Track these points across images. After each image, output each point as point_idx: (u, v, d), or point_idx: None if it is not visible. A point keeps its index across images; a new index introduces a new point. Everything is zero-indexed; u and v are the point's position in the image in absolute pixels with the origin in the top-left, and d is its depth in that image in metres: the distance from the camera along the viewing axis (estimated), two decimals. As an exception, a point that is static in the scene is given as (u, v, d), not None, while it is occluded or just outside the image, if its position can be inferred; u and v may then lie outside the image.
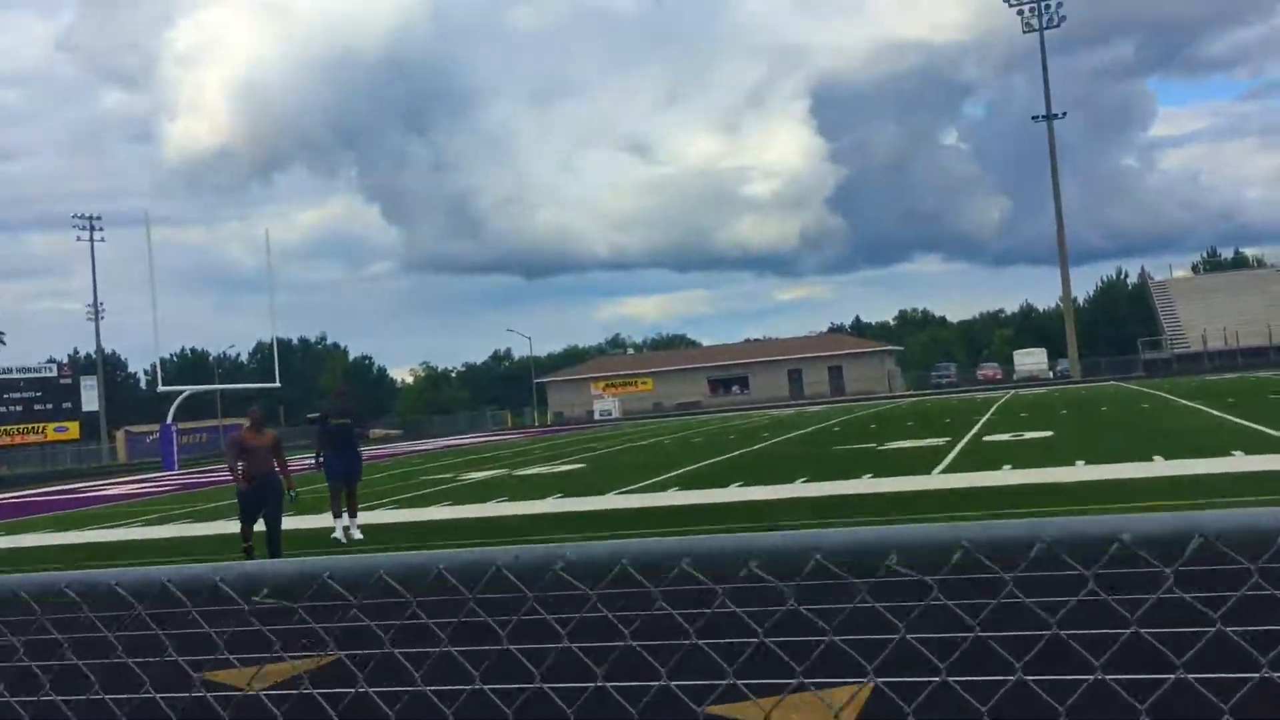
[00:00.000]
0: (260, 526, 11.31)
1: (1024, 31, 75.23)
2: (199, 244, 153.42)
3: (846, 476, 15.93)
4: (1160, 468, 13.59)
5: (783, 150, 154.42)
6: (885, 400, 60.36)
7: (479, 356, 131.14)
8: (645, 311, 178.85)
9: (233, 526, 16.19)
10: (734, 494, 14.90)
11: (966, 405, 39.97)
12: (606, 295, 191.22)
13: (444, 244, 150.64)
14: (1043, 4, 74.08)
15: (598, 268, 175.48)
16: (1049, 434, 21.00)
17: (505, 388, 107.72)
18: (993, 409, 33.80)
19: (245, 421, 11.50)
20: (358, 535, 12.94)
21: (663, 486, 17.07)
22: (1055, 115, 75.88)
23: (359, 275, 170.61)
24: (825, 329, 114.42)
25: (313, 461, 13.47)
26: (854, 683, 4.74)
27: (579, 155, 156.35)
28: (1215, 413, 23.15)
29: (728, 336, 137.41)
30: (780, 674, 4.52)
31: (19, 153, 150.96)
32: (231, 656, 2.85)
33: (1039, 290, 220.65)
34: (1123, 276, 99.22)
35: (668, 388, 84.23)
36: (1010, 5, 75.04)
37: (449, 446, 45.05)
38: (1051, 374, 76.22)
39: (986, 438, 21.38)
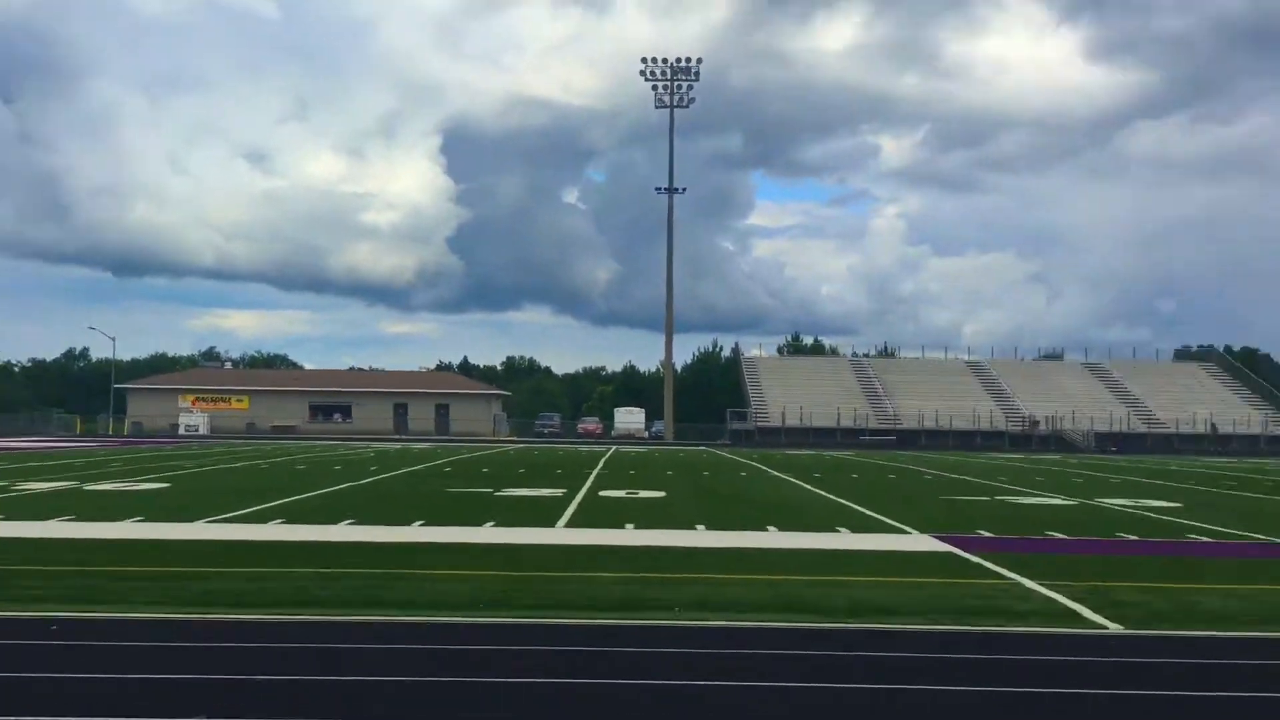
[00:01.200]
0: None
1: (656, 107, 79.00)
2: None
3: (467, 522, 15.16)
4: (779, 539, 13.91)
5: (408, 184, 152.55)
6: (491, 444, 60.26)
7: (50, 353, 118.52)
8: (244, 326, 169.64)
9: None
10: (345, 533, 13.70)
11: (573, 457, 40.44)
12: (204, 305, 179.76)
13: (22, 224, 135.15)
14: (674, 84, 78.20)
15: (197, 274, 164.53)
16: (662, 494, 21.32)
17: (77, 390, 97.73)
18: (600, 463, 34.31)
19: None
20: None
21: (262, 517, 15.49)
22: (676, 189, 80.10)
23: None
24: (433, 366, 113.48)
25: None
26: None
27: (189, 154, 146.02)
28: (808, 486, 24.58)
29: (331, 363, 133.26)
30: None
31: None
32: None
33: (639, 352, 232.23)
34: (718, 349, 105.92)
35: (264, 408, 79.65)
36: (646, 80, 78.64)
37: (6, 449, 39.72)
38: (647, 434, 79.51)
39: (602, 492, 21.38)
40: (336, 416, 79.39)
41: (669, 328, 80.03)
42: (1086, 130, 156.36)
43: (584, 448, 54.14)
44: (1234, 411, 73.16)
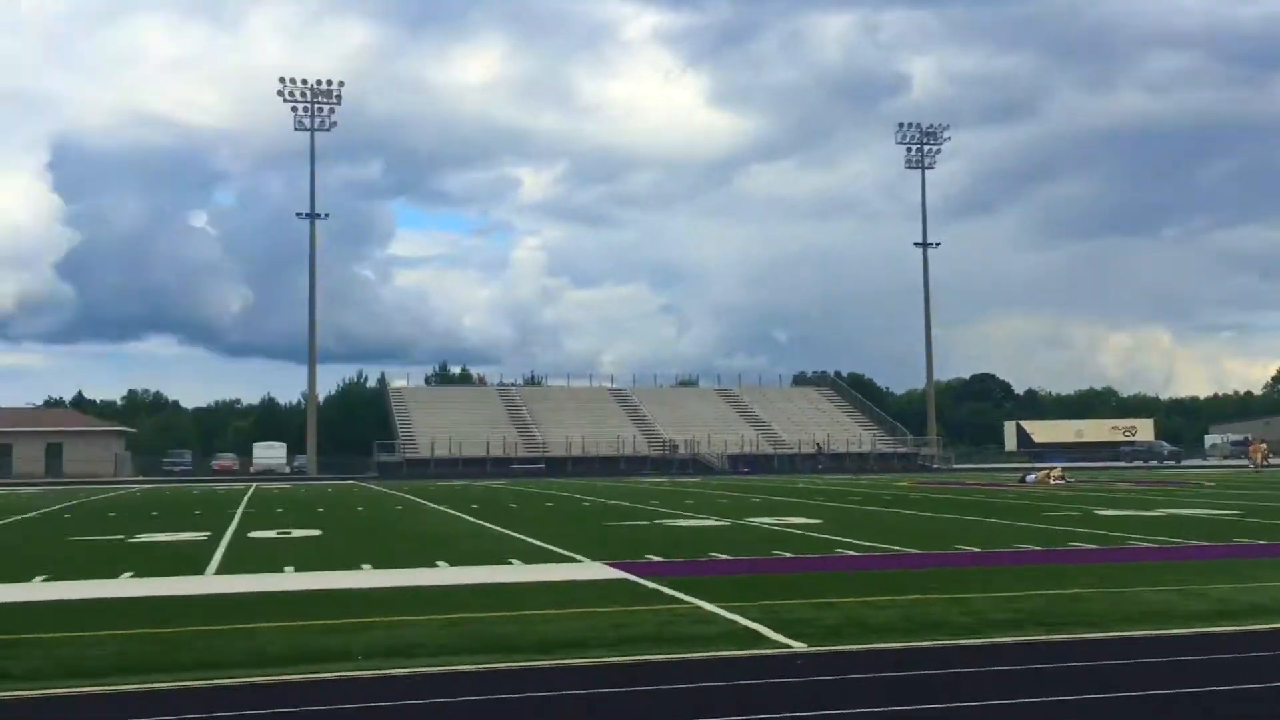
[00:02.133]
0: None
1: (296, 129, 76.07)
2: None
3: (98, 575, 13.53)
4: (451, 574, 13.38)
5: (9, 202, 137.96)
6: (115, 485, 55.23)
7: None
8: None
9: None
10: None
11: (212, 496, 37.73)
12: None
13: None
14: (315, 106, 75.67)
15: None
16: (318, 532, 20.14)
17: None
18: (244, 502, 32.15)
19: None
20: None
21: None
22: (319, 215, 77.35)
23: None
24: (41, 401, 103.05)
25: None
26: None
27: None
28: (470, 518, 24.11)
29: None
30: None
31: None
32: None
33: (277, 384, 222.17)
34: (363, 379, 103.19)
35: None
36: (285, 100, 75.60)
37: None
38: (289, 469, 75.95)
39: (251, 533, 19.90)
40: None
41: (312, 358, 76.99)
42: (706, 170, 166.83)
43: (221, 486, 50.83)
44: (846, 432, 79.81)
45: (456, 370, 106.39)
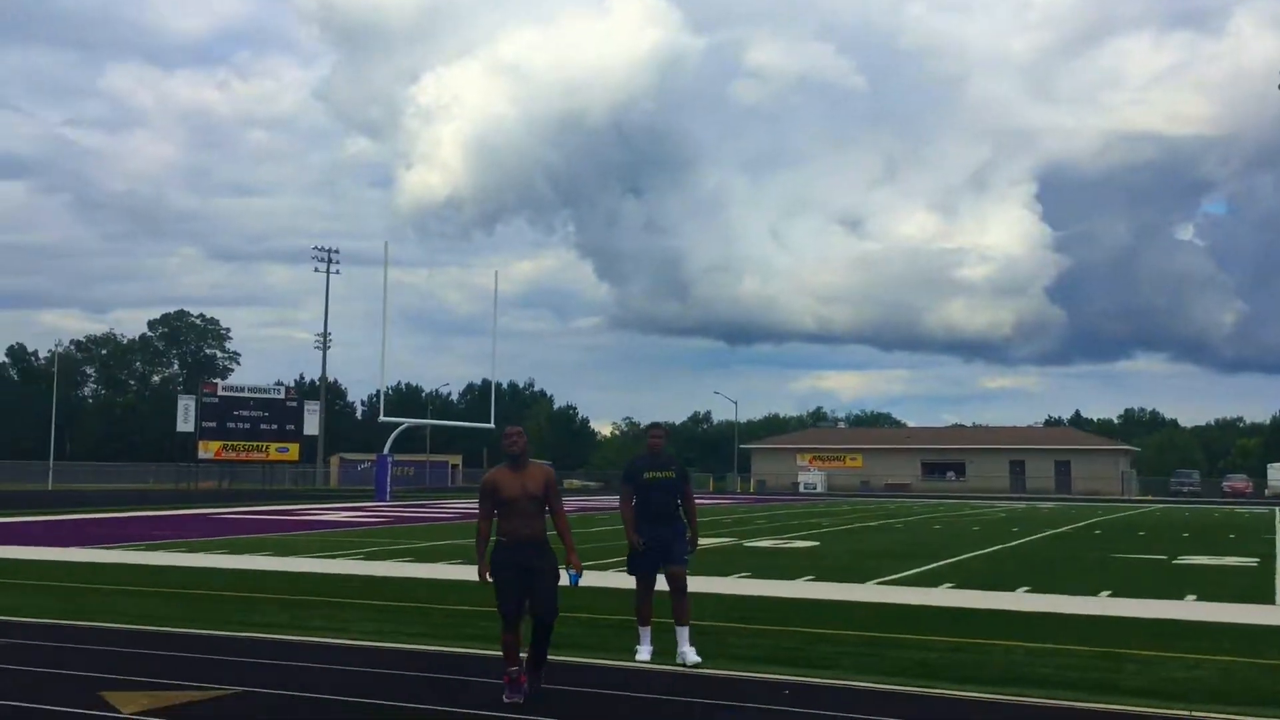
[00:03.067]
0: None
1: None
2: (419, 286, 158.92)
3: (1150, 594, 13.38)
4: None
5: (1002, 235, 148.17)
6: (1125, 504, 55.62)
7: (678, 417, 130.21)
8: (845, 386, 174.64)
9: (455, 571, 15.00)
10: (1025, 601, 12.61)
11: (1236, 519, 35.71)
12: (806, 367, 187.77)
13: (651, 304, 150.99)
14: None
15: (798, 338, 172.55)
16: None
17: (703, 450, 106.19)
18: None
19: (499, 452, 7.26)
20: (693, 657, 8.24)
21: (931, 580, 14.88)
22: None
23: (567, 328, 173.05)
24: (1040, 421, 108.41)
25: (636, 543, 8.43)
26: None
27: (788, 225, 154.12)
28: None
29: (930, 420, 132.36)
30: None
31: (265, 190, 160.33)
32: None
33: (1271, 401, 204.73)
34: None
35: (877, 466, 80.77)
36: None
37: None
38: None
39: (1312, 563, 18.22)
40: (950, 474, 78.31)
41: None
42: None
43: (1240, 508, 47.98)
44: None
45: None
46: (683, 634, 8.33)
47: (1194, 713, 6.95)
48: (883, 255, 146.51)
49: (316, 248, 79.23)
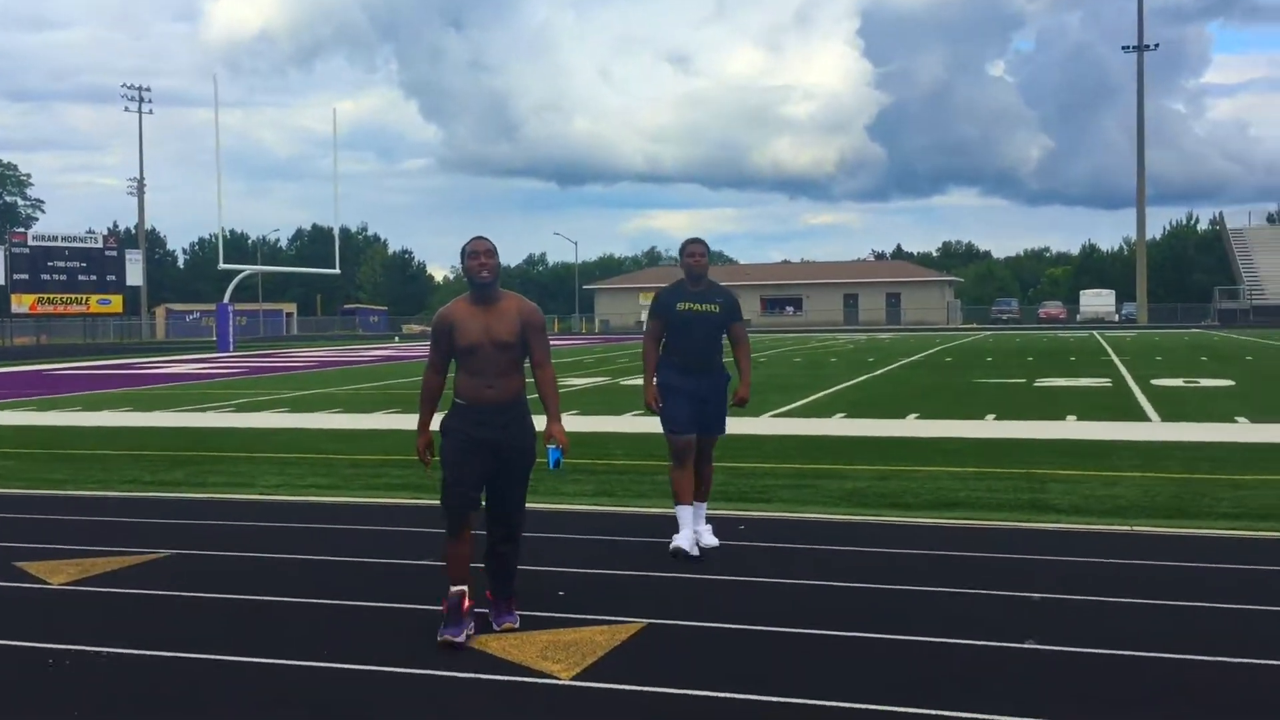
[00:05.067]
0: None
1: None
2: (235, 127, 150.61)
3: (1033, 417, 13.93)
4: None
5: (825, 72, 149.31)
6: (953, 332, 58.12)
7: (513, 259, 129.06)
8: (675, 226, 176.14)
9: (342, 420, 14.43)
10: (922, 427, 12.93)
11: (1066, 344, 37.71)
12: (636, 208, 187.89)
13: (481, 145, 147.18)
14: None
15: (629, 178, 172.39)
16: (1229, 383, 18.90)
17: (541, 292, 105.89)
18: (1110, 350, 31.58)
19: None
20: (709, 539, 6.62)
21: (822, 411, 15.11)
22: (1147, 46, 72.34)
23: (394, 170, 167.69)
24: (864, 256, 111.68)
25: (652, 401, 6.58)
26: None
27: (617, 63, 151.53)
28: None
29: (758, 257, 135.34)
30: None
31: (61, 22, 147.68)
32: None
33: (1076, 231, 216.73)
34: (1192, 222, 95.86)
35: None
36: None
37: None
38: (1118, 317, 73.70)
39: (1155, 381, 19.29)
40: (789, 309, 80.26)
41: (1141, 200, 73.16)
42: None
43: (1065, 334, 50.68)
44: None
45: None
46: (698, 511, 6.64)
47: (1134, 527, 7.18)
48: (711, 93, 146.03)
49: (126, 85, 73.85)
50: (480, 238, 5.11)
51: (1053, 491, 8.43)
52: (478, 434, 4.94)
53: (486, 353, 4.95)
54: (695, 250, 6.55)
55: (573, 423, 13.73)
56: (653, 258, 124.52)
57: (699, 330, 6.49)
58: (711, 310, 6.51)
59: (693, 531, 6.50)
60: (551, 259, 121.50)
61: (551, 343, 5.30)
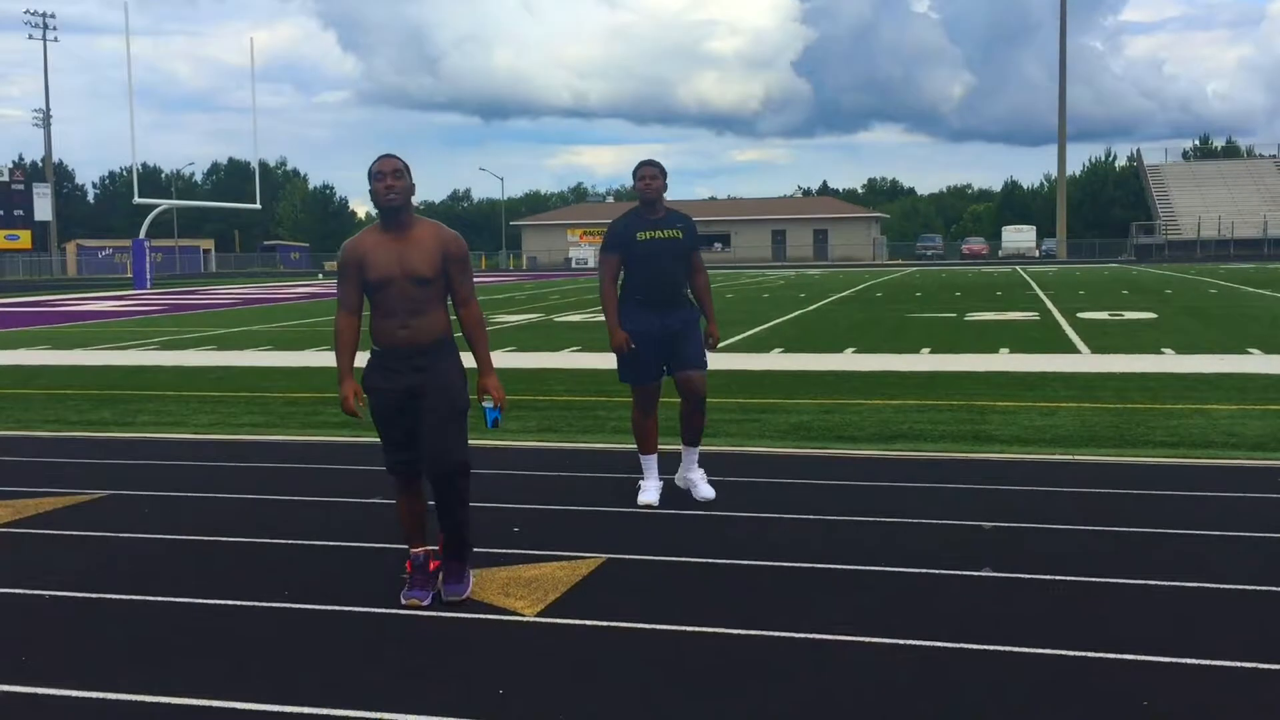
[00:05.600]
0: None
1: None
2: (143, 57, 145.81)
3: (967, 350, 14.11)
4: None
5: (751, 7, 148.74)
6: (880, 268, 58.68)
7: (438, 196, 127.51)
8: (600, 162, 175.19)
9: (270, 358, 14.15)
10: (861, 361, 13.01)
11: (991, 279, 38.28)
12: (562, 143, 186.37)
13: (401, 77, 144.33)
14: None
15: (554, 114, 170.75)
16: (1151, 315, 19.32)
17: (467, 228, 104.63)
18: (1035, 285, 32.10)
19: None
20: (705, 489, 6.17)
21: (759, 346, 15.15)
22: (1070, -17, 72.75)
23: (312, 102, 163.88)
24: (790, 193, 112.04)
25: (621, 342, 5.99)
26: None
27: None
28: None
29: (685, 194, 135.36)
30: None
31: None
32: None
33: (997, 168, 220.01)
34: (1110, 158, 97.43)
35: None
36: None
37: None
38: (1038, 253, 74.95)
39: (1081, 314, 19.65)
40: (717, 245, 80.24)
41: (1062, 136, 74.13)
42: None
43: (988, 269, 51.45)
44: None
45: (1219, 144, 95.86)
46: (692, 457, 6.22)
47: (1075, 456, 7.29)
48: (636, 27, 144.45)
49: (29, 11, 70.63)
50: (387, 155, 4.41)
51: (993, 422, 8.53)
52: (395, 384, 4.34)
53: (400, 288, 4.30)
54: (648, 173, 5.95)
55: (510, 359, 13.63)
56: (579, 194, 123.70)
57: (665, 259, 5.97)
58: (675, 235, 6.01)
59: (662, 482, 6.17)
60: (477, 195, 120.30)
61: (480, 280, 5.06)
